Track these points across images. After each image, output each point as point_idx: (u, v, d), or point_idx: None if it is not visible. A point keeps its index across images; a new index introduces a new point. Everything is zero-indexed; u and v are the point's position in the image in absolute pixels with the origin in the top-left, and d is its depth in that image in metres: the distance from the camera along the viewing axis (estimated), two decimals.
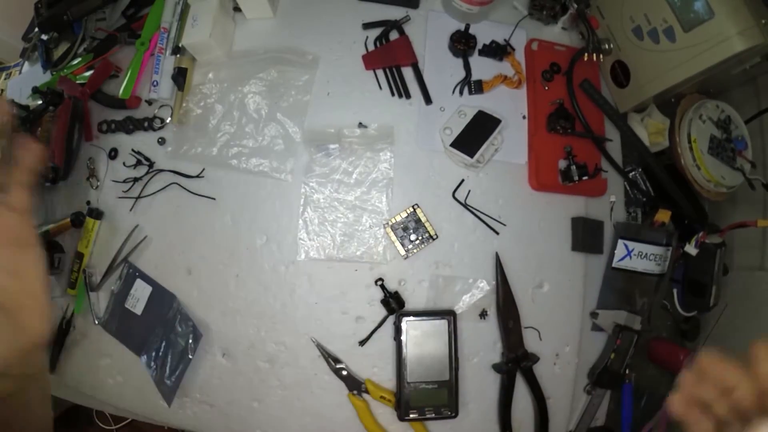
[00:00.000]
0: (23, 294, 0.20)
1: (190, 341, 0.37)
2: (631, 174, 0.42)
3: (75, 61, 0.49)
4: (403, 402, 0.34)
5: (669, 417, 0.44)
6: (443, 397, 0.34)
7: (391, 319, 0.35)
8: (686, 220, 0.44)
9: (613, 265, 0.39)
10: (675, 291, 0.45)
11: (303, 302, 0.36)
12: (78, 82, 0.47)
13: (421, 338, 0.34)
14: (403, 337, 0.34)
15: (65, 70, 0.49)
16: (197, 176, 0.39)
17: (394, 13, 0.40)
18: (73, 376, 0.45)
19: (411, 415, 0.34)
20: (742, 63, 0.37)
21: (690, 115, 0.43)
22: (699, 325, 0.46)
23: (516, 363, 0.36)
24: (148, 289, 0.40)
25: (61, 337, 0.45)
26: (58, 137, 0.44)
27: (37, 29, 0.54)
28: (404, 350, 0.34)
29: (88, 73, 0.47)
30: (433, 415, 0.34)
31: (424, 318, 0.34)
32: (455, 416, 0.35)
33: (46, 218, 0.47)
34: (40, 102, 0.48)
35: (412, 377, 0.34)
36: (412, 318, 0.34)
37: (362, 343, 0.36)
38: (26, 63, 0.57)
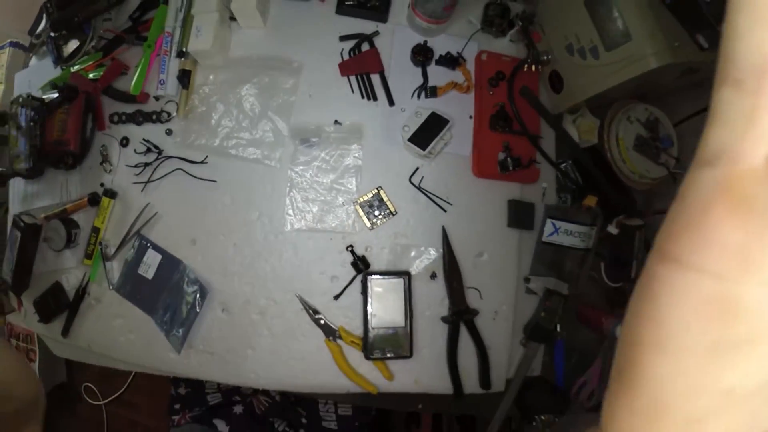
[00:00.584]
0: None
1: (198, 297, 0.52)
2: (562, 165, 0.58)
3: (84, 58, 0.63)
4: (368, 344, 0.50)
5: (600, 372, 0.61)
6: (400, 341, 0.50)
7: (359, 278, 0.51)
8: (612, 206, 0.60)
9: (543, 239, 0.55)
10: (602, 264, 0.61)
11: (289, 265, 0.52)
12: (89, 77, 0.61)
13: (383, 293, 0.50)
14: (368, 292, 0.49)
15: (76, 66, 0.63)
16: (201, 162, 0.54)
17: (367, 26, 0.56)
18: (85, 338, 0.60)
19: (375, 355, 0.50)
20: (664, 76, 0.49)
21: (619, 116, 0.59)
22: (626, 294, 0.62)
23: (459, 316, 0.52)
24: (158, 257, 0.55)
25: (76, 303, 0.60)
26: (73, 127, 0.59)
27: (46, 26, 0.69)
28: (369, 303, 0.50)
29: (97, 70, 0.61)
30: (392, 355, 0.50)
31: (385, 277, 0.50)
32: (410, 357, 0.50)
33: (62, 198, 0.62)
34: (55, 95, 0.62)
35: (375, 324, 0.50)
36: (375, 277, 0.50)
37: (336, 297, 0.51)
38: (34, 57, 0.71)
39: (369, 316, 0.50)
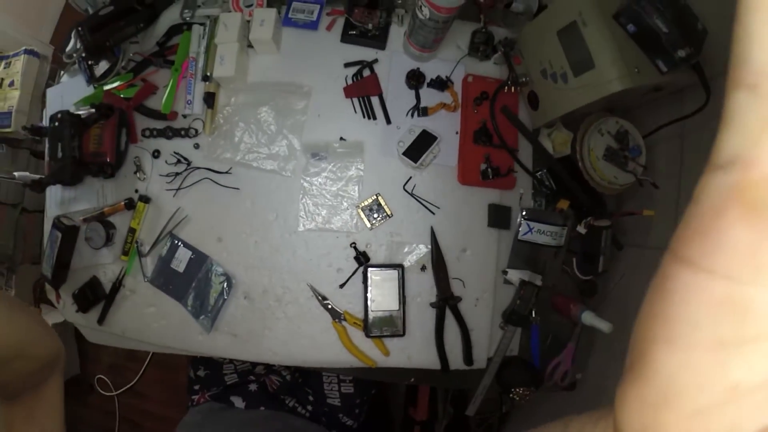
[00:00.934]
0: None
1: (225, 287, 0.67)
2: (538, 173, 0.73)
3: (116, 78, 0.77)
4: (368, 325, 0.64)
5: (573, 354, 0.75)
6: (395, 321, 0.64)
7: (361, 269, 0.66)
8: (584, 208, 0.74)
9: (519, 238, 0.70)
10: (574, 260, 0.76)
11: (301, 259, 0.67)
12: (121, 96, 0.75)
13: (380, 282, 0.64)
14: (368, 282, 0.64)
15: (108, 86, 0.77)
16: (226, 172, 0.68)
17: (368, 53, 0.70)
18: (120, 325, 0.74)
19: (374, 333, 0.64)
20: (629, 95, 0.58)
21: (591, 129, 0.73)
22: (596, 286, 0.76)
23: (445, 302, 0.66)
24: (189, 253, 0.69)
25: (112, 294, 0.75)
26: (109, 140, 0.73)
27: (75, 46, 0.82)
28: (369, 290, 0.64)
29: (128, 90, 0.75)
30: (388, 333, 0.64)
31: (382, 269, 0.64)
32: (403, 335, 0.65)
33: (99, 203, 0.76)
34: (90, 111, 0.76)
35: (374, 308, 0.64)
36: (374, 269, 0.64)
37: (342, 286, 0.66)
38: (65, 74, 0.85)
39: (369, 302, 0.64)
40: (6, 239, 1.29)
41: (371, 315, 0.64)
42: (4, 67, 1.20)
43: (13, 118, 1.18)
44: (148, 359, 1.33)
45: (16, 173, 0.87)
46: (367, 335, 0.64)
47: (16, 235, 1.30)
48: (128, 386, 1.34)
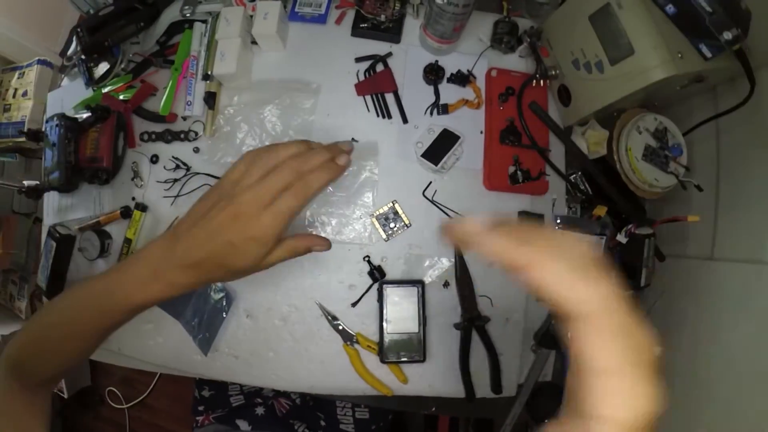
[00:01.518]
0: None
1: (224, 304, 0.57)
2: (572, 177, 0.62)
3: (115, 80, 0.70)
4: (384, 348, 0.54)
5: None
6: (414, 345, 0.54)
7: (375, 286, 0.56)
8: (623, 215, 0.63)
9: None
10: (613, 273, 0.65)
11: (309, 274, 0.57)
12: (120, 98, 0.67)
13: (398, 300, 0.54)
14: (384, 300, 0.54)
15: (107, 88, 0.69)
16: None
17: (381, 47, 0.61)
18: (116, 341, 0.65)
19: (390, 359, 0.54)
20: (670, 86, 0.52)
21: (628, 127, 0.63)
22: (636, 302, 0.65)
23: (471, 322, 0.56)
24: None
25: None
26: (106, 145, 0.65)
27: (76, 49, 0.75)
28: (385, 309, 0.54)
29: (128, 91, 0.67)
30: (407, 359, 0.54)
31: (400, 285, 0.54)
32: (423, 361, 0.55)
33: (95, 211, 0.68)
34: (87, 114, 0.68)
35: (391, 330, 0.54)
36: (391, 285, 0.54)
37: (354, 304, 0.56)
38: (66, 78, 0.78)
39: (384, 323, 0.54)
40: (19, 248, 1.23)
41: (387, 338, 0.54)
42: (18, 77, 1.15)
43: (26, 128, 1.12)
44: (159, 373, 1.24)
45: (25, 182, 0.79)
46: (383, 360, 0.54)
47: (29, 244, 1.24)
48: (139, 399, 1.25)
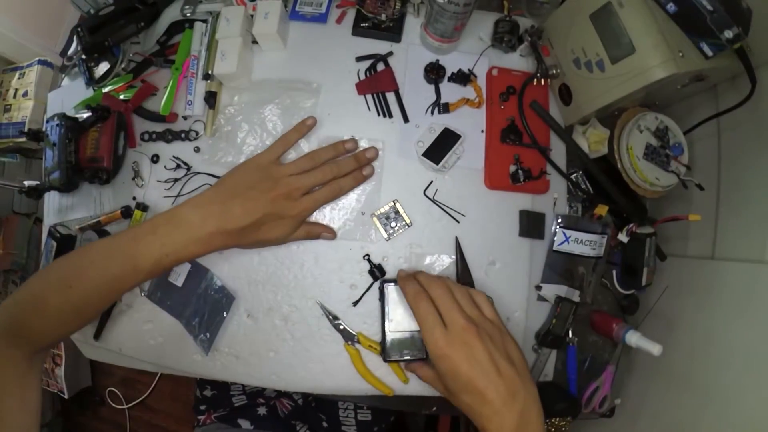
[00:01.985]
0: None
1: (225, 303, 0.57)
2: (573, 176, 0.62)
3: (115, 80, 0.69)
4: (386, 347, 0.54)
5: (612, 377, 0.64)
6: (417, 344, 0.53)
7: (377, 285, 0.55)
8: (624, 214, 0.63)
9: (554, 248, 0.59)
10: (614, 272, 0.64)
11: (310, 273, 0.57)
12: (121, 98, 0.67)
13: (399, 299, 0.53)
14: (385, 298, 0.53)
15: (107, 87, 0.69)
16: None
17: (381, 46, 0.60)
18: (116, 341, 0.65)
19: (392, 357, 0.54)
20: (671, 85, 0.52)
21: (629, 126, 0.63)
22: (637, 301, 0.65)
23: None
24: (188, 265, 0.60)
25: (108, 309, 0.66)
26: (106, 145, 0.65)
27: (77, 49, 0.75)
28: (386, 308, 0.53)
29: (128, 91, 0.67)
30: (409, 357, 0.54)
31: None
32: (426, 358, 0.54)
33: (96, 211, 0.68)
34: (87, 114, 0.68)
35: (392, 328, 0.54)
36: (392, 284, 0.54)
37: (355, 303, 0.56)
38: (66, 78, 0.78)
39: (387, 321, 0.53)
40: (20, 248, 1.23)
41: (389, 336, 0.53)
42: (18, 78, 1.15)
43: (26, 128, 1.12)
44: (159, 373, 1.24)
45: (26, 182, 0.79)
46: (385, 359, 0.53)
47: (30, 244, 1.24)
48: (139, 400, 1.25)
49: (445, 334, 0.43)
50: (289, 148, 0.55)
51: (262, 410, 0.72)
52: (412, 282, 0.48)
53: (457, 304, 0.45)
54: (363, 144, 0.58)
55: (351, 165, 0.53)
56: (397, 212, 0.56)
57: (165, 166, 0.62)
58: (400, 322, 0.53)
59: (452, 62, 0.60)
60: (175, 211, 0.46)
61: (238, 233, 0.46)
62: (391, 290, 0.53)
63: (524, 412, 0.41)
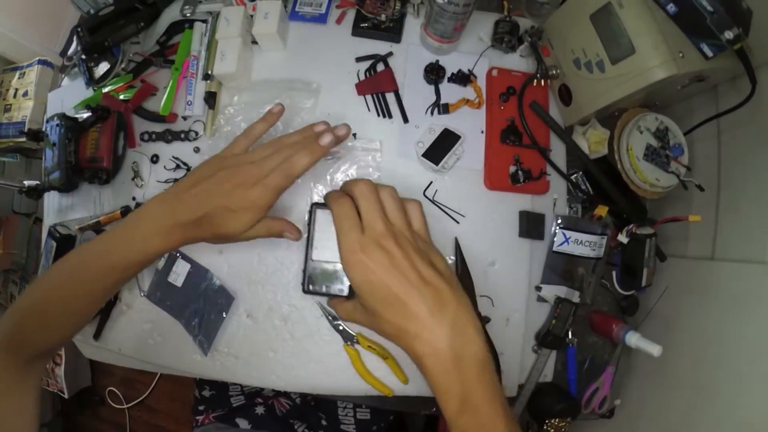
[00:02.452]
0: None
1: (224, 304, 0.57)
2: (573, 176, 0.62)
3: (115, 80, 0.69)
4: (307, 277, 0.45)
5: (612, 378, 0.64)
6: (340, 278, 0.45)
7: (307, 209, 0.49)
8: (624, 215, 0.63)
9: (554, 249, 0.59)
10: (614, 273, 0.64)
11: None
12: (120, 98, 0.67)
13: (329, 226, 0.43)
14: (313, 224, 0.46)
15: (107, 87, 0.69)
16: None
17: (381, 47, 0.60)
18: (116, 342, 0.65)
19: (314, 289, 0.45)
20: (671, 85, 0.52)
21: (629, 126, 0.63)
22: (637, 302, 0.65)
23: None
24: (187, 266, 0.60)
25: (108, 309, 0.66)
26: (106, 145, 0.65)
27: (77, 49, 0.75)
28: (313, 233, 0.45)
29: (128, 91, 0.67)
30: (331, 292, 0.45)
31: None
32: (348, 296, 0.45)
33: (95, 211, 0.68)
34: (87, 114, 0.68)
35: (316, 257, 0.45)
36: (322, 208, 0.45)
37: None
38: (66, 78, 0.78)
39: (311, 248, 0.46)
40: (20, 248, 1.23)
41: (311, 265, 0.46)
42: (18, 78, 1.15)
43: (26, 128, 1.12)
44: (159, 373, 1.24)
45: (25, 182, 0.79)
46: (305, 291, 0.46)
47: (30, 244, 1.24)
48: (139, 400, 1.25)
49: (360, 237, 0.38)
50: (256, 140, 0.50)
51: (260, 410, 0.72)
52: (337, 190, 0.44)
53: (379, 208, 0.39)
54: (364, 142, 0.58)
55: (301, 138, 0.47)
56: None
57: (165, 167, 0.62)
58: (326, 251, 0.46)
59: (452, 63, 0.60)
60: (143, 206, 0.46)
61: (194, 225, 0.44)
62: (321, 214, 0.46)
63: (457, 323, 0.35)
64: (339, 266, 0.45)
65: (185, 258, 0.60)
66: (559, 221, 0.59)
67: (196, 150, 0.61)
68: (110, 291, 0.48)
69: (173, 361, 0.62)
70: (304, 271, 0.46)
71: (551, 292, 0.59)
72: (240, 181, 0.43)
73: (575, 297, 0.59)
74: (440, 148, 0.56)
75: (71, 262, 0.46)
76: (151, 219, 0.44)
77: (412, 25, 0.61)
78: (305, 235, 0.48)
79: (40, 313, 0.45)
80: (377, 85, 0.59)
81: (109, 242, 0.45)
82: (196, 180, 0.45)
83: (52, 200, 0.72)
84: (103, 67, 0.70)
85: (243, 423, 0.72)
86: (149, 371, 0.67)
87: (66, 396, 1.21)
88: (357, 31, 0.60)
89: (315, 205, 0.47)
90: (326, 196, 0.44)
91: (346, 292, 0.46)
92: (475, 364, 0.35)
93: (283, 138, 0.48)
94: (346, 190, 0.43)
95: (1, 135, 1.16)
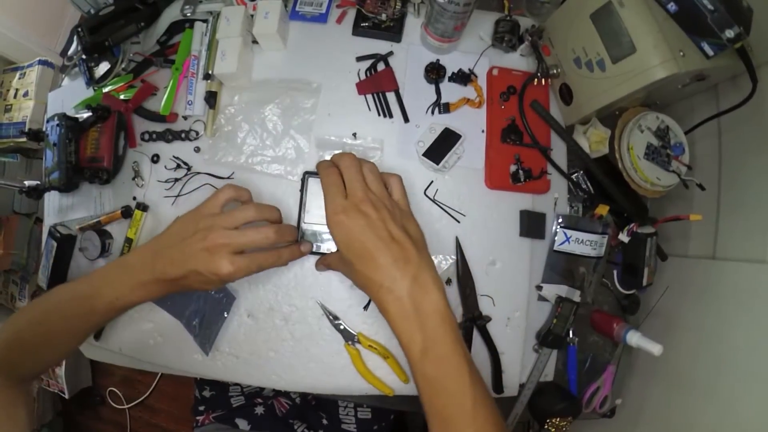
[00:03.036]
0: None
1: (225, 303, 0.57)
2: (573, 175, 0.62)
3: (115, 80, 0.69)
4: (301, 237, 0.54)
5: (612, 377, 0.64)
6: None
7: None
8: (625, 214, 0.63)
9: (554, 248, 0.59)
10: (615, 272, 0.64)
11: (311, 273, 0.57)
12: (121, 98, 0.67)
13: (319, 193, 0.50)
14: (305, 189, 0.54)
15: (108, 87, 0.69)
16: (228, 178, 0.59)
17: (382, 46, 0.60)
18: (117, 341, 0.65)
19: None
20: (672, 84, 0.52)
21: (630, 125, 0.62)
22: (638, 301, 0.65)
23: (472, 321, 0.56)
24: None
25: None
26: (107, 144, 0.65)
27: (77, 49, 0.75)
28: (305, 198, 0.54)
29: (128, 91, 0.67)
30: (323, 250, 0.54)
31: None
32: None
33: (96, 211, 0.68)
34: (87, 114, 0.68)
35: (308, 219, 0.54)
36: (314, 176, 0.54)
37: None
38: (66, 78, 0.78)
39: (303, 212, 0.54)
40: (20, 248, 1.23)
41: (304, 227, 0.55)
42: (19, 78, 1.16)
43: (27, 128, 1.12)
44: (159, 373, 1.24)
45: (26, 182, 0.79)
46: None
47: (30, 244, 1.24)
48: (139, 400, 1.25)
49: (343, 202, 0.43)
50: (234, 200, 0.50)
51: (259, 410, 0.72)
52: (326, 160, 0.48)
53: (361, 178, 0.45)
54: (364, 141, 0.58)
55: (292, 234, 0.50)
56: None
57: (165, 166, 0.62)
58: (317, 214, 0.54)
59: (453, 62, 0.60)
60: (126, 257, 0.50)
61: (171, 283, 0.46)
62: (312, 182, 0.54)
63: (418, 277, 0.40)
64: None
65: None
66: (560, 220, 0.59)
67: (197, 150, 0.61)
68: (90, 331, 0.51)
69: (174, 361, 0.62)
70: (298, 233, 0.53)
71: (552, 291, 0.59)
72: (214, 249, 0.44)
73: (576, 296, 0.59)
74: (441, 147, 0.56)
75: (55, 299, 0.49)
76: (133, 271, 0.47)
77: (413, 25, 0.61)
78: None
79: (22, 342, 0.48)
80: (378, 84, 0.59)
81: (93, 286, 0.47)
82: (173, 240, 0.47)
83: (52, 200, 0.72)
84: (103, 67, 0.70)
85: (242, 423, 0.72)
86: (150, 371, 0.67)
87: (66, 396, 1.21)
88: (357, 30, 0.60)
89: (307, 174, 0.54)
90: (317, 165, 0.48)
91: (334, 250, 0.52)
92: (436, 315, 0.40)
93: (262, 209, 0.49)
94: (333, 161, 0.47)
95: (2, 135, 1.17)
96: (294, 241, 0.51)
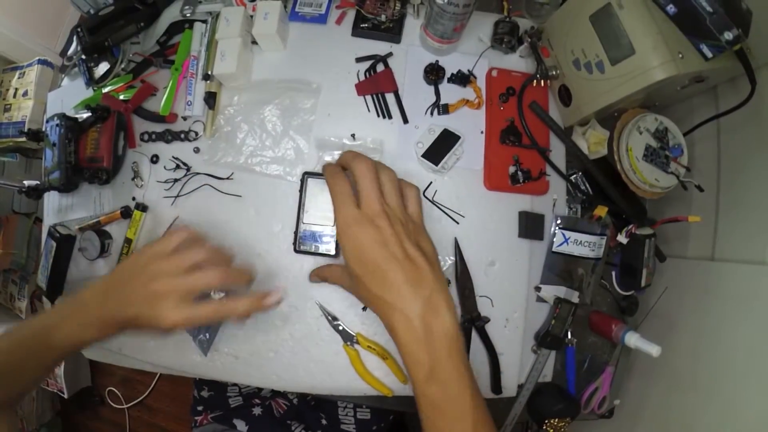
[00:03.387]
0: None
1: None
2: (572, 177, 0.62)
3: (115, 80, 0.69)
4: (299, 237, 0.55)
5: (611, 378, 0.64)
6: (327, 238, 0.54)
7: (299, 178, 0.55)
8: (624, 215, 0.63)
9: (553, 249, 0.59)
10: (614, 273, 0.65)
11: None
12: (120, 98, 0.67)
13: (318, 193, 0.54)
14: (305, 191, 0.54)
15: (107, 88, 0.69)
16: (227, 178, 0.59)
17: (381, 47, 0.61)
18: (116, 341, 0.65)
19: (303, 248, 0.55)
20: (670, 86, 0.53)
21: (629, 127, 0.63)
22: (637, 302, 0.65)
23: (471, 322, 0.56)
24: None
25: None
26: (106, 145, 0.65)
27: (77, 49, 0.75)
28: (304, 199, 0.54)
29: (128, 91, 0.67)
30: (321, 251, 0.54)
31: (320, 177, 0.53)
32: (336, 256, 0.54)
33: (95, 211, 0.68)
34: (87, 114, 0.68)
35: (307, 220, 0.54)
36: (313, 177, 0.54)
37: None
38: (66, 78, 0.78)
39: (302, 212, 0.55)
40: (20, 248, 1.23)
41: (302, 227, 0.55)
42: (18, 77, 1.16)
43: (26, 128, 1.12)
44: (159, 373, 1.24)
45: (25, 182, 0.79)
46: (296, 250, 0.55)
47: (30, 244, 1.24)
48: (139, 400, 1.25)
49: (356, 211, 0.41)
50: (190, 240, 0.48)
51: (257, 410, 0.72)
52: (334, 164, 0.47)
53: (377, 188, 0.42)
54: (363, 142, 0.58)
55: (245, 278, 0.47)
56: None
57: (165, 167, 0.62)
58: (316, 215, 0.54)
59: (452, 63, 0.60)
60: (82, 292, 0.47)
61: (124, 323, 0.44)
62: (312, 183, 0.54)
63: (431, 300, 0.38)
64: (327, 229, 0.54)
65: None
66: (559, 221, 0.59)
67: (196, 150, 0.61)
68: (52, 365, 0.49)
69: (173, 362, 0.62)
70: (296, 233, 0.54)
71: (551, 292, 0.59)
72: (157, 295, 0.42)
73: (574, 297, 0.59)
74: (440, 148, 0.56)
75: (19, 334, 0.47)
76: (86, 309, 0.45)
77: (412, 26, 0.61)
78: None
79: None
80: (377, 85, 0.59)
81: (51, 321, 0.46)
82: (122, 280, 0.45)
83: (52, 200, 0.72)
84: (103, 67, 0.70)
85: (240, 424, 0.72)
86: (149, 371, 0.67)
87: (66, 396, 1.21)
88: (357, 31, 0.61)
89: (306, 175, 0.54)
90: (324, 169, 0.47)
91: (332, 252, 0.53)
92: (445, 339, 0.38)
93: (210, 249, 0.46)
94: (342, 163, 0.45)
95: (1, 135, 1.16)
96: (263, 292, 0.46)
